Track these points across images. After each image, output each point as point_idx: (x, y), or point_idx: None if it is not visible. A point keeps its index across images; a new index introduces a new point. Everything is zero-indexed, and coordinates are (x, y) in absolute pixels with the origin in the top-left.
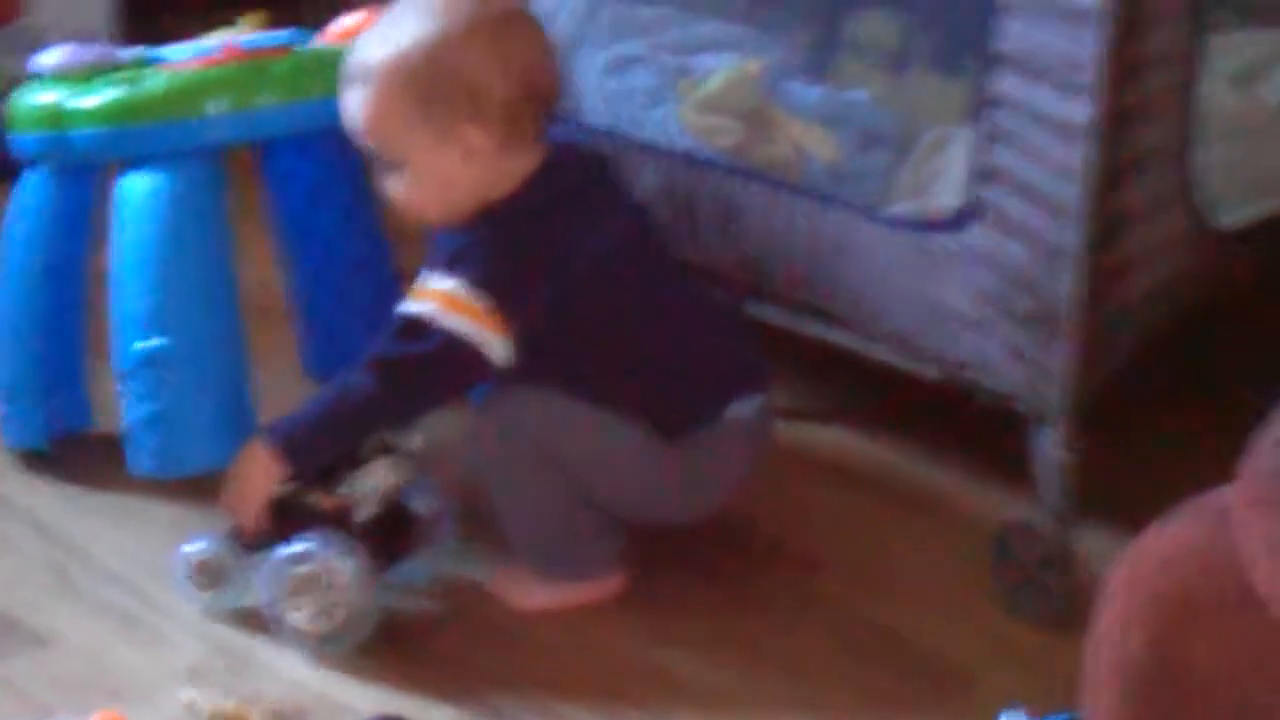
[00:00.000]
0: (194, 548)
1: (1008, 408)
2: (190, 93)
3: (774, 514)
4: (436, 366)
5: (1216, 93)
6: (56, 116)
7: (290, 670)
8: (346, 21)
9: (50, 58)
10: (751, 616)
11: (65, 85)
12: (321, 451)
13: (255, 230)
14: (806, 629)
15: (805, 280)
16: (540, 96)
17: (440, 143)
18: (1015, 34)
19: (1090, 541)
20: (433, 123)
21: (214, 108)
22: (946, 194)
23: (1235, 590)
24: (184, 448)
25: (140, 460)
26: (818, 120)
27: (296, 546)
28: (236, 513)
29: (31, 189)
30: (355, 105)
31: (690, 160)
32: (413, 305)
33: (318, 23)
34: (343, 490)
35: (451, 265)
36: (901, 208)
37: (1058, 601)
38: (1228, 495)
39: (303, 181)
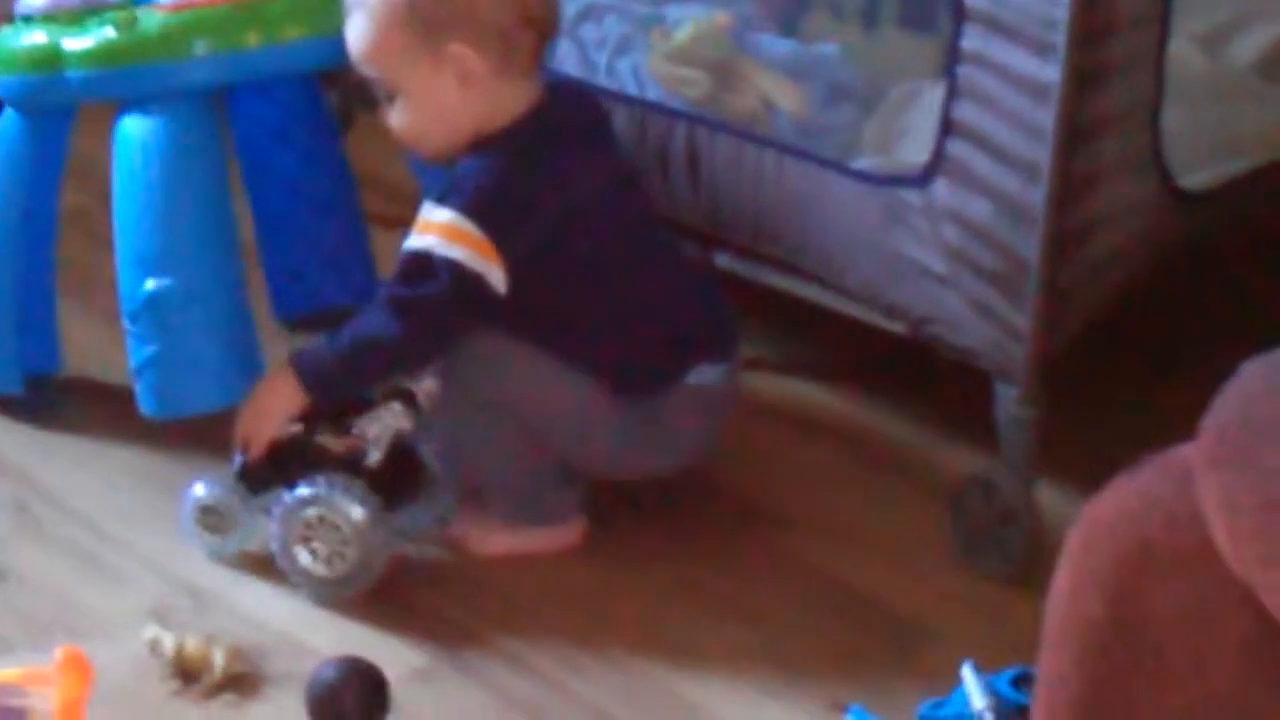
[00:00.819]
0: (200, 491)
1: (971, 363)
2: (186, 33)
3: (739, 466)
4: (449, 302)
5: (1185, 54)
6: (52, 58)
7: (253, 610)
8: None
9: None
10: (716, 568)
11: (55, 26)
12: (344, 389)
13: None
14: (770, 581)
15: (771, 233)
16: (537, 25)
17: (437, 67)
18: None
19: (1049, 498)
20: (429, 46)
21: (204, 48)
22: (913, 149)
23: (1196, 545)
24: (190, 388)
25: (148, 402)
26: (786, 73)
27: (306, 490)
28: (251, 441)
29: (7, 132)
30: (355, 33)
31: (660, 110)
32: (415, 241)
33: None
34: (354, 433)
35: (444, 196)
36: (868, 162)
37: (1017, 557)
38: (1188, 452)
39: (267, 123)
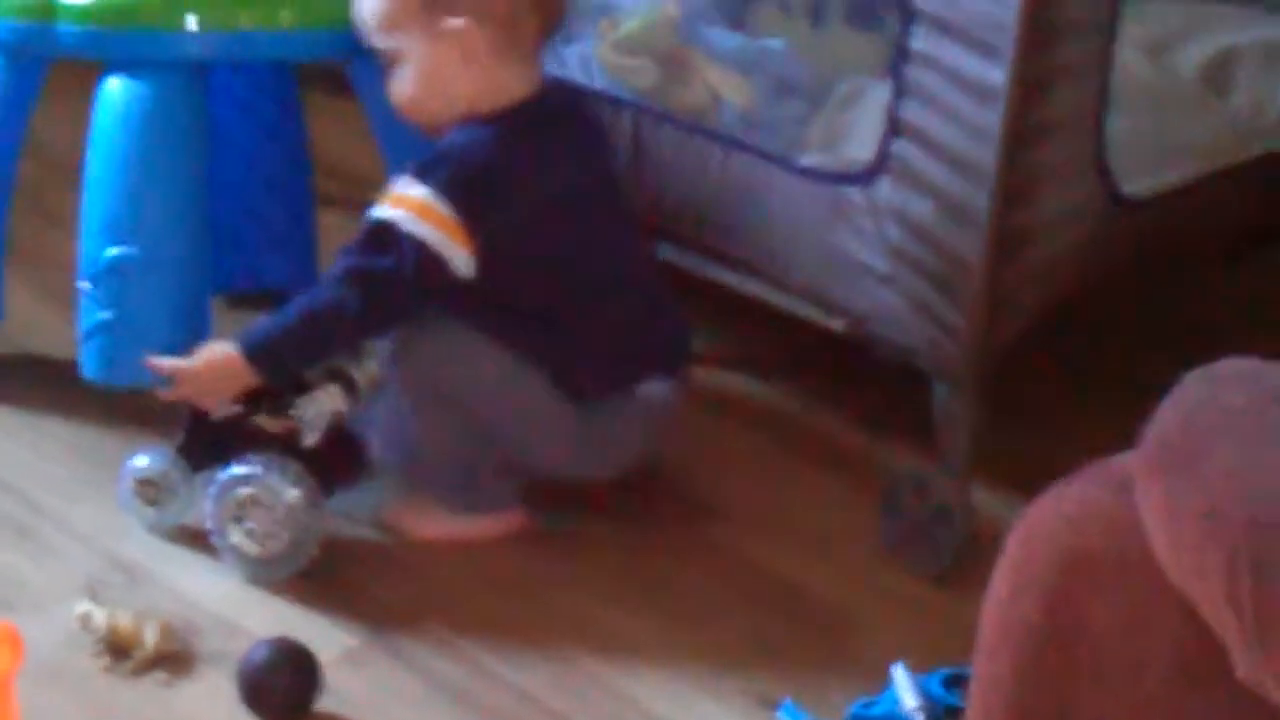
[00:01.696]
0: (140, 463)
1: (911, 362)
2: (182, 5)
3: (675, 457)
4: (407, 279)
5: (1130, 61)
6: (45, 7)
7: (186, 588)
8: None
9: None
10: (649, 557)
11: None
12: (292, 363)
13: None
14: (701, 572)
15: (714, 226)
16: (543, 11)
17: (440, 39)
18: None
19: (982, 497)
20: (435, 18)
21: (196, 22)
22: (858, 146)
23: (1136, 552)
24: (138, 357)
25: (93, 366)
26: (734, 66)
27: (242, 468)
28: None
29: None
30: (365, 2)
31: (606, 99)
32: (382, 211)
33: None
34: (292, 414)
35: (422, 172)
36: (813, 158)
37: (947, 555)
38: (1128, 460)
39: (233, 95)
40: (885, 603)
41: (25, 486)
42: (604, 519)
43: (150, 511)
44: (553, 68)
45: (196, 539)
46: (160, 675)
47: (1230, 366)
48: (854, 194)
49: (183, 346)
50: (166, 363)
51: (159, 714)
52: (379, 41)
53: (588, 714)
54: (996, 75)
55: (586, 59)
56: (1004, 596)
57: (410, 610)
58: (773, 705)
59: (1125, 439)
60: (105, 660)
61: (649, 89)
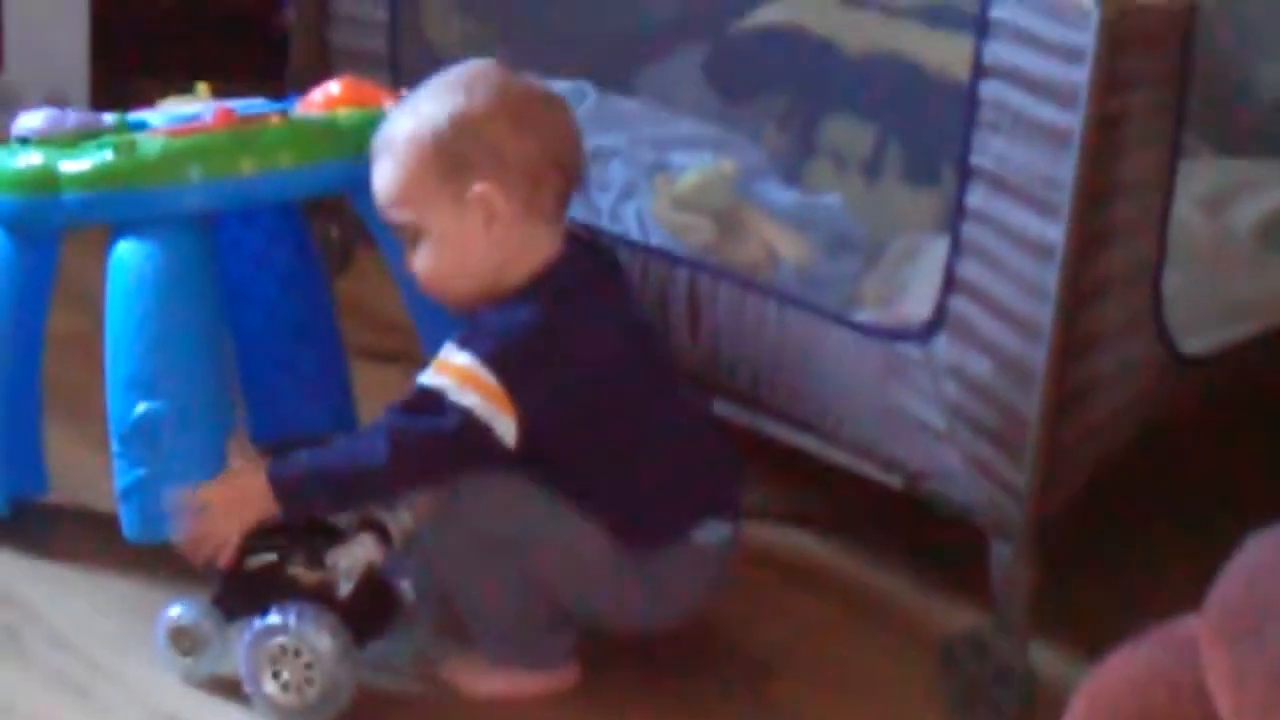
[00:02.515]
0: (175, 613)
1: (968, 520)
2: (184, 159)
3: (729, 614)
4: (449, 444)
5: (1186, 217)
6: (47, 179)
7: None
8: (331, 89)
9: (34, 120)
10: (702, 716)
11: (51, 149)
12: (318, 505)
13: None
14: None
15: (770, 381)
16: (564, 170)
17: (463, 208)
18: (994, 150)
19: (1042, 656)
20: (456, 186)
21: (199, 173)
22: (914, 303)
23: (1201, 717)
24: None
25: (132, 525)
26: (790, 222)
27: (275, 618)
28: (209, 538)
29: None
30: (382, 177)
31: (662, 255)
32: (429, 379)
33: (299, 91)
34: (327, 564)
35: (466, 340)
36: (869, 314)
37: (1007, 717)
38: (1193, 624)
39: (247, 248)
40: None
41: (82, 642)
42: (656, 673)
43: (185, 661)
44: (609, 224)
45: (246, 694)
46: None
47: None
48: (911, 350)
49: None
50: (186, 497)
51: None
52: (397, 217)
53: None
54: (1054, 233)
55: (643, 215)
56: None
57: None
58: None
59: (1189, 592)
60: None
61: (705, 245)
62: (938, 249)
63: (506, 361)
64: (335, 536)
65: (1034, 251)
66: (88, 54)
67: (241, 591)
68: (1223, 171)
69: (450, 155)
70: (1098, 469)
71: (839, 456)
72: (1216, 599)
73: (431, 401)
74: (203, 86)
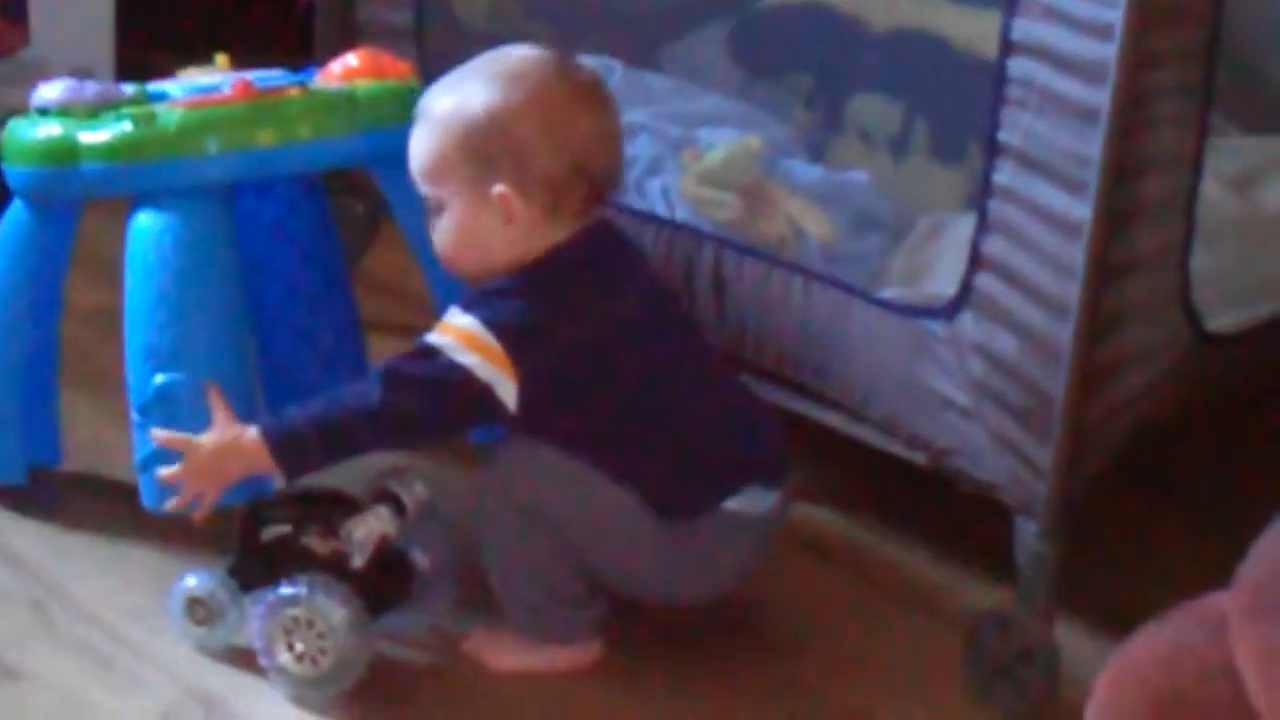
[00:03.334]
0: (190, 583)
1: (992, 497)
2: (203, 130)
3: (754, 592)
4: (444, 390)
5: (1214, 196)
6: (67, 150)
7: (264, 718)
8: (350, 60)
9: (53, 91)
10: (725, 695)
11: (70, 120)
12: (311, 454)
13: None
14: (777, 710)
15: (794, 358)
16: (591, 175)
17: (482, 202)
18: (1022, 127)
19: (1065, 634)
20: (478, 181)
21: (217, 145)
22: (940, 280)
23: (1228, 696)
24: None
25: (150, 495)
26: (816, 199)
27: (289, 589)
28: (196, 486)
29: (16, 223)
30: (417, 143)
31: (688, 231)
32: (432, 336)
33: (321, 61)
34: (341, 535)
35: (469, 304)
36: (895, 292)
37: (1033, 695)
38: (1222, 601)
39: (265, 219)
40: None
41: (108, 615)
42: (679, 652)
43: (200, 631)
44: (634, 199)
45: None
46: None
47: None
48: (936, 327)
49: None
50: (169, 436)
51: None
52: (425, 189)
53: None
54: (1081, 210)
55: (669, 191)
56: None
57: None
58: None
59: (1218, 569)
60: None
61: (731, 221)
62: (964, 226)
63: (509, 325)
64: (350, 508)
65: (1061, 229)
66: (113, 27)
67: (256, 562)
68: (1251, 150)
69: (477, 149)
70: (1124, 448)
71: (863, 434)
72: (1246, 576)
73: (429, 351)
74: (221, 58)
